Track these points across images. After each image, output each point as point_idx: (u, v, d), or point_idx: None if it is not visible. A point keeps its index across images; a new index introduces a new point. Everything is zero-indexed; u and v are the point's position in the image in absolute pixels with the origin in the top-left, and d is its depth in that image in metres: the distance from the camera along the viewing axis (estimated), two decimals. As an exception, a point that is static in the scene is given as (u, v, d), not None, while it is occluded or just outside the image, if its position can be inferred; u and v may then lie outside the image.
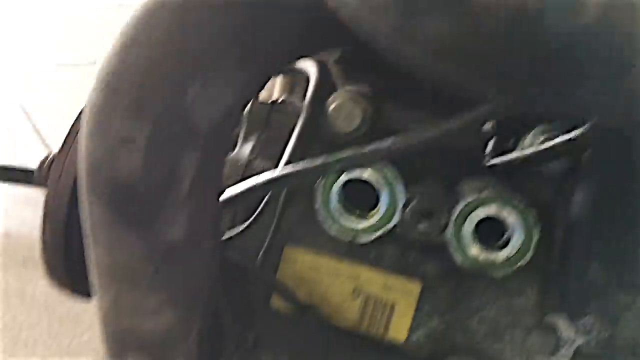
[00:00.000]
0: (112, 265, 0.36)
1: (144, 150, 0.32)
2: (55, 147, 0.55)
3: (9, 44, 2.01)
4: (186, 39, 0.31)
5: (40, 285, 1.16)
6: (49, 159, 0.55)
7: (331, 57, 0.57)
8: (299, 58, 0.42)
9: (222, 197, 0.41)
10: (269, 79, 0.36)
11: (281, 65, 0.37)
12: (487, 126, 0.55)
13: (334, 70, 0.59)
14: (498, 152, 0.54)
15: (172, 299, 0.37)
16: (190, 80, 0.31)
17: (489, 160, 0.53)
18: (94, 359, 1.03)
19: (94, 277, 0.38)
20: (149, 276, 0.36)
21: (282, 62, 0.35)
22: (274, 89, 0.74)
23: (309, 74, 0.58)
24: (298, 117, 0.53)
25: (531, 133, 0.51)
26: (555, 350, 0.51)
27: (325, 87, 0.56)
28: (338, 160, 0.40)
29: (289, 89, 0.73)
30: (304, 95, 0.55)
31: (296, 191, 0.50)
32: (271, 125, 0.54)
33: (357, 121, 0.52)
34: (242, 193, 0.42)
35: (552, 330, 0.50)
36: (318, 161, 0.41)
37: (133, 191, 0.33)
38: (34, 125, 1.71)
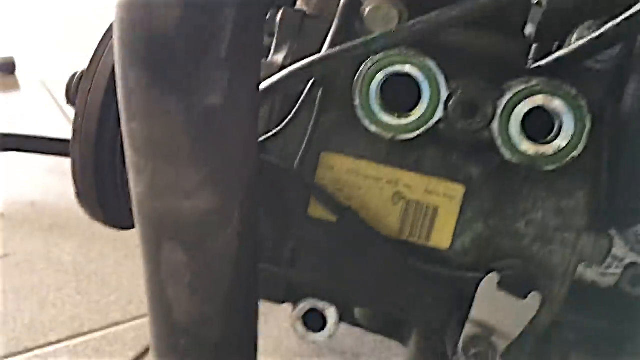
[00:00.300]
0: (148, 139, 0.34)
1: (182, 1, 0.30)
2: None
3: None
4: None
5: (67, 249, 1.16)
6: (77, 75, 0.54)
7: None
8: None
9: (265, 85, 0.40)
10: None
11: None
12: (530, 30, 0.52)
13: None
14: (541, 58, 0.51)
15: (211, 176, 0.36)
16: None
17: (531, 65, 0.51)
18: (123, 316, 1.02)
19: (129, 157, 0.36)
20: (187, 148, 0.34)
21: None
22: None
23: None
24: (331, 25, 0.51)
25: (576, 31, 0.49)
26: (605, 257, 0.49)
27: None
28: (381, 36, 0.38)
29: (324, 9, 0.71)
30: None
31: (333, 94, 0.48)
32: (304, 33, 0.52)
33: (394, 24, 0.50)
34: (284, 79, 0.40)
35: (605, 235, 0.48)
36: (358, 41, 0.39)
37: (171, 47, 0.31)
38: (55, 100, 1.72)
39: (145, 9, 0.31)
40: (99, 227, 1.25)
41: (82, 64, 0.55)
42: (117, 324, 1.00)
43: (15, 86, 1.63)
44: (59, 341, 0.97)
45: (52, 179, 1.30)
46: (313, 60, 0.40)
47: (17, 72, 1.65)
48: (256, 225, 0.42)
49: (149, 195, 0.36)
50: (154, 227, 0.38)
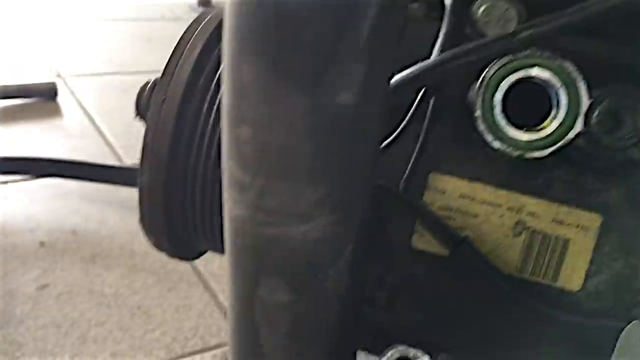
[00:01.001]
0: (261, 148, 0.28)
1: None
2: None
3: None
4: None
5: (109, 280, 1.10)
6: (149, 84, 0.48)
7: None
8: None
9: (396, 79, 0.33)
10: None
11: None
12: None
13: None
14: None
15: (329, 198, 0.29)
16: None
17: None
18: (167, 354, 0.95)
19: (229, 173, 0.30)
20: (309, 159, 0.28)
21: None
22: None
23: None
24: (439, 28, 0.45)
25: None
26: None
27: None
28: (523, 28, 0.32)
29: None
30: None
31: (446, 105, 0.42)
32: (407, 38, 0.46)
33: (512, 26, 0.44)
34: (414, 77, 0.34)
35: None
36: (496, 38, 0.33)
37: (301, 32, 0.25)
38: (71, 90, 1.70)
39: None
40: (141, 258, 1.19)
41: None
42: (161, 362, 0.94)
43: (56, 112, 1.60)
44: (100, 379, 0.90)
45: (94, 207, 1.26)
46: (446, 57, 0.34)
47: (58, 98, 1.63)
48: (365, 258, 0.35)
49: (253, 220, 0.30)
50: (253, 259, 0.31)
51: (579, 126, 0.38)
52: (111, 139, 1.50)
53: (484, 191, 0.41)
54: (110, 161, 1.38)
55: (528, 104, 0.40)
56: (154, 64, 0.65)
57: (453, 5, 0.45)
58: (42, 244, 1.14)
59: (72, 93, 1.70)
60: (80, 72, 1.82)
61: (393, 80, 0.35)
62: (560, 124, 0.38)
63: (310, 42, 0.25)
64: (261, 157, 0.28)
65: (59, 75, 1.77)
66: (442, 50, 0.42)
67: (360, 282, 0.35)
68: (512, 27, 0.44)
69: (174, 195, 0.47)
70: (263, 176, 0.29)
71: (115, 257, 1.12)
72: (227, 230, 0.32)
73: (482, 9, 0.44)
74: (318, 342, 0.34)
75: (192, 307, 1.02)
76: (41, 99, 1.60)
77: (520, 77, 0.38)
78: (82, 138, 1.50)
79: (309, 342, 0.34)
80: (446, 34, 0.43)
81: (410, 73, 0.35)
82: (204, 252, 0.58)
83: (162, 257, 0.55)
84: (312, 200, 0.29)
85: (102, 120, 1.57)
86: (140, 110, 0.49)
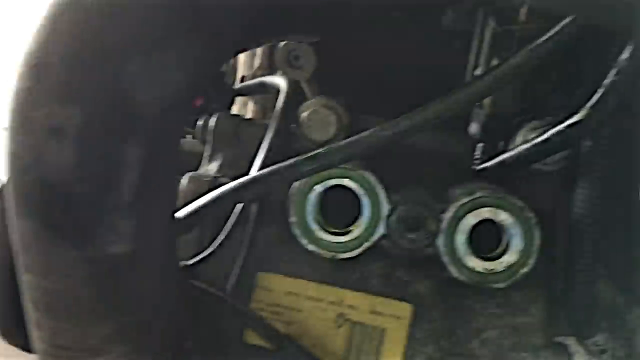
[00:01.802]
0: (47, 293, 0.30)
1: (76, 141, 0.26)
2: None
3: None
4: (121, 8, 0.26)
5: None
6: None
7: (303, 75, 0.53)
8: (255, 39, 0.37)
9: (185, 212, 0.36)
10: (224, 59, 0.31)
11: (237, 43, 0.32)
12: (474, 129, 0.51)
13: (306, 87, 0.55)
14: (487, 158, 0.49)
15: (119, 332, 0.31)
16: (129, 54, 0.26)
17: (478, 165, 0.48)
18: None
19: (28, 312, 0.32)
20: (90, 303, 0.30)
21: (237, 38, 0.30)
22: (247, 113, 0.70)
23: (280, 88, 0.54)
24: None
25: (522, 130, 0.47)
26: (568, 373, 0.45)
27: (296, 99, 0.52)
28: (311, 158, 0.35)
29: (262, 114, 0.69)
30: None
31: (268, 209, 0.45)
32: (240, 140, 0.49)
33: (332, 130, 0.47)
34: (208, 205, 0.36)
35: (563, 351, 0.45)
36: (288, 162, 0.36)
37: (66, 193, 0.27)
38: None
39: (36, 150, 0.27)
40: None
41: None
42: None
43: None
44: None
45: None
46: (240, 184, 0.37)
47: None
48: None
49: (49, 354, 0.32)
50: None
51: (381, 230, 0.42)
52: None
53: (307, 287, 0.44)
54: None
55: (347, 210, 0.43)
56: None
57: (281, 109, 0.49)
58: None
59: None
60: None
61: (178, 216, 0.36)
62: (365, 229, 0.42)
63: (76, 203, 0.28)
64: (47, 301, 0.30)
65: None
66: (269, 147, 0.46)
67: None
68: (332, 131, 0.47)
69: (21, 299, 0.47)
70: (52, 318, 0.30)
71: None
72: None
73: (305, 113, 0.47)
74: None
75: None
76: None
77: (329, 186, 0.42)
78: None
79: None
80: (274, 135, 0.47)
81: (194, 208, 0.36)
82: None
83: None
84: (101, 336, 0.31)
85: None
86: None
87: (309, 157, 0.35)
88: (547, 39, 0.35)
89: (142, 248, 0.30)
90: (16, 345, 0.53)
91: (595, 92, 0.39)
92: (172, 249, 0.33)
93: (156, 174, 0.30)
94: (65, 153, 0.27)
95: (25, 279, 0.30)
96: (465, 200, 0.41)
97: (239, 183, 0.37)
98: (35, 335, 0.32)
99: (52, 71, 0.27)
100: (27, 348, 0.53)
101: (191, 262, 0.43)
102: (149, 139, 0.28)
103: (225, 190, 0.37)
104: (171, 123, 0.29)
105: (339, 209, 0.43)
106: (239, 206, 0.44)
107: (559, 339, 0.46)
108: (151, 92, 0.27)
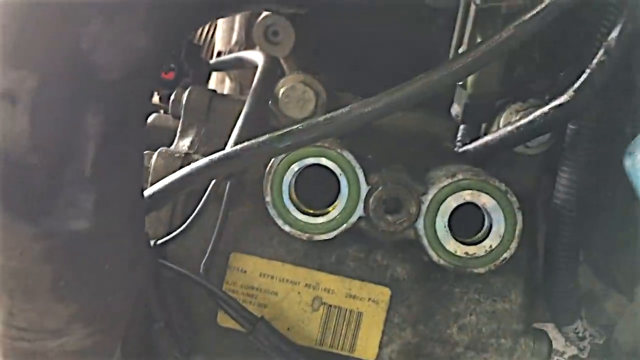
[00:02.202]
0: (2, 270, 0.28)
1: (30, 107, 0.24)
2: None
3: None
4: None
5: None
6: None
7: (282, 52, 0.51)
8: (228, 4, 0.35)
9: (155, 188, 0.34)
10: (193, 25, 0.29)
11: (208, 9, 0.30)
12: (456, 110, 0.49)
13: (285, 63, 0.53)
14: (469, 139, 0.48)
15: (80, 312, 0.29)
16: (88, 14, 0.24)
17: (460, 147, 0.47)
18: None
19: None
20: (49, 282, 0.28)
21: (207, 3, 0.28)
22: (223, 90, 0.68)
23: (257, 64, 0.52)
24: (244, 106, 0.46)
25: (505, 113, 0.46)
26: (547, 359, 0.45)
27: (275, 74, 0.50)
28: (286, 134, 0.33)
29: (239, 91, 0.67)
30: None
31: (243, 188, 0.43)
32: (214, 116, 0.47)
33: (310, 107, 0.46)
34: (178, 182, 0.34)
35: (543, 337, 0.44)
36: (262, 139, 0.35)
37: (20, 164, 0.26)
38: None
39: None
40: None
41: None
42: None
43: None
44: None
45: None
46: (211, 161, 0.35)
47: None
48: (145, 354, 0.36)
49: (7, 336, 0.30)
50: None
51: (359, 211, 0.40)
52: None
53: (282, 269, 0.43)
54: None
55: (324, 190, 0.41)
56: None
57: (258, 85, 0.47)
58: None
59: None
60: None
61: (147, 192, 0.34)
62: (343, 210, 0.40)
63: (33, 176, 0.26)
64: (3, 279, 0.28)
65: None
66: (244, 124, 0.44)
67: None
68: (309, 108, 0.46)
69: None
70: (7, 297, 0.29)
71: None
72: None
73: (283, 90, 0.46)
74: None
75: None
76: None
77: (305, 164, 0.40)
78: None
79: None
80: (249, 111, 0.45)
81: (164, 185, 0.35)
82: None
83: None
84: (61, 316, 0.29)
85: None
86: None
87: (284, 133, 0.34)
88: (533, 15, 0.34)
89: (104, 224, 0.28)
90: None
91: (581, 73, 0.38)
92: (139, 227, 0.31)
93: (119, 145, 0.28)
94: (18, 120, 0.25)
95: (-20, 257, 0.29)
96: (446, 182, 0.40)
97: (211, 159, 0.35)
98: (-9, 317, 0.30)
99: (4, 31, 0.25)
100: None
101: (161, 241, 0.41)
102: (111, 107, 0.26)
103: (197, 167, 0.35)
104: (136, 91, 0.27)
105: (316, 190, 0.41)
106: (212, 183, 0.42)
107: (538, 325, 0.45)
108: (113, 55, 0.25)
